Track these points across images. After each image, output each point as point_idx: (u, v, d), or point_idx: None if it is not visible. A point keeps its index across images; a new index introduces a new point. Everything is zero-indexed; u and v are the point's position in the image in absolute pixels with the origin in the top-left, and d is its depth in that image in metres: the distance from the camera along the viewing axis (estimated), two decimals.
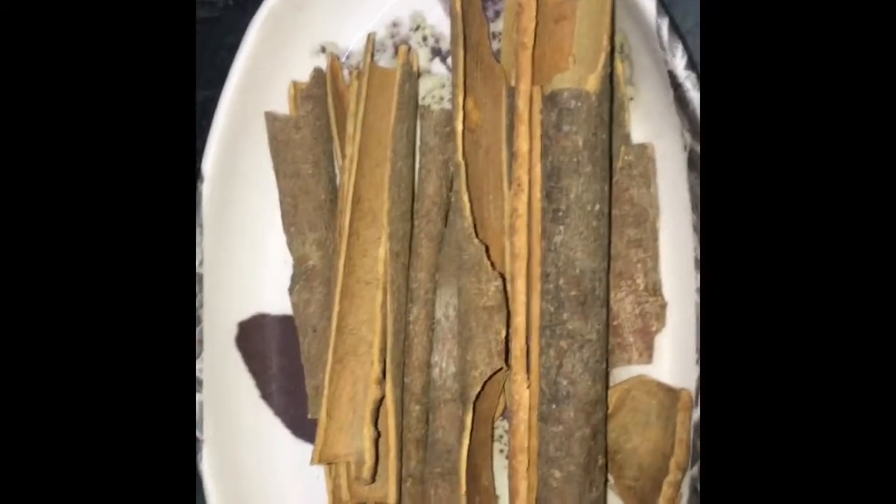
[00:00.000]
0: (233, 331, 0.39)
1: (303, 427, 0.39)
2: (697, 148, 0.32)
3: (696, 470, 0.32)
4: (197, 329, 0.36)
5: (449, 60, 0.38)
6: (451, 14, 0.35)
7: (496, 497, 0.36)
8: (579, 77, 0.32)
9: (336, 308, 0.35)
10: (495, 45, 0.37)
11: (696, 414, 0.33)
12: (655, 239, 0.35)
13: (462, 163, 0.34)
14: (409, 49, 0.37)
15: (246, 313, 0.39)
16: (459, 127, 0.34)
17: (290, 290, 0.37)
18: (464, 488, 0.33)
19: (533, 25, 0.33)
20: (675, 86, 0.32)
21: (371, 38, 0.37)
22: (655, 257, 0.35)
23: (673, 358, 0.34)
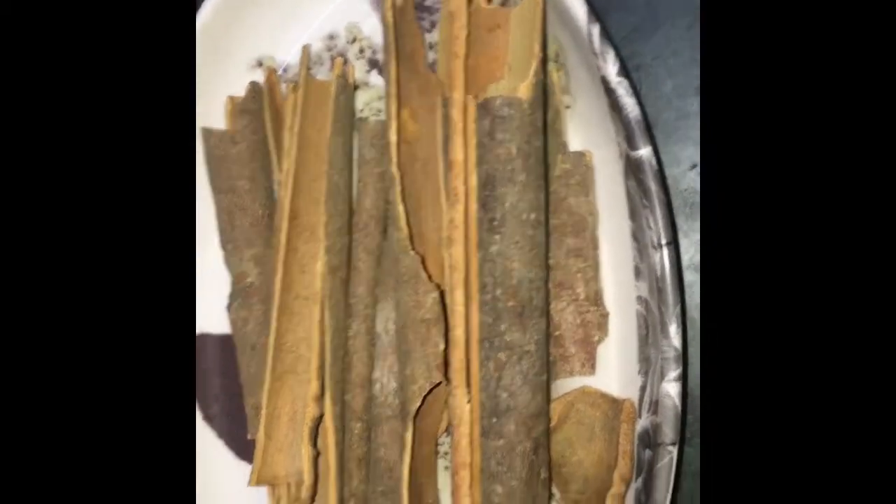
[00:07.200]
0: None
1: (246, 449, 0.38)
2: (633, 154, 0.31)
3: (640, 482, 0.31)
4: None
5: None
6: (383, 24, 0.34)
7: None
8: (513, 86, 0.31)
9: (274, 325, 0.34)
10: (432, 55, 0.36)
11: (640, 424, 0.32)
12: (595, 248, 0.34)
13: (396, 174, 0.33)
14: (345, 61, 0.36)
15: None
16: (394, 138, 0.33)
17: (228, 308, 0.36)
18: None
19: (464, 34, 0.32)
20: (608, 92, 0.31)
21: (305, 51, 0.36)
22: (596, 266, 0.34)
23: (616, 368, 0.34)
